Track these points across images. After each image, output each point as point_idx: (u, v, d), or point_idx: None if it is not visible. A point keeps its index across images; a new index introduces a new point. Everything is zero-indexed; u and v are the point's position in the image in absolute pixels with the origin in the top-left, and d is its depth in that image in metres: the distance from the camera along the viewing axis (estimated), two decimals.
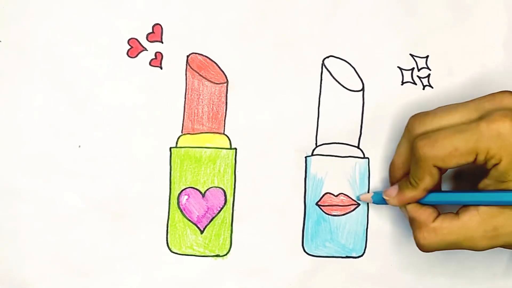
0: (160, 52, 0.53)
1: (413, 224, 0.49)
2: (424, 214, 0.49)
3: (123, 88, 0.53)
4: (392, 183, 0.52)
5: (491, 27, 0.54)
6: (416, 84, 0.54)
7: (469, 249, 0.48)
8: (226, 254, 0.54)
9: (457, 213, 0.48)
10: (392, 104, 0.54)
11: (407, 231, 0.54)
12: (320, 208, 0.54)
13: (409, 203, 0.50)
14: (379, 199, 0.52)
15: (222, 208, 0.54)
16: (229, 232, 0.54)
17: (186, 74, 0.53)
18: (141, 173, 0.53)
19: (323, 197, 0.54)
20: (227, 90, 0.53)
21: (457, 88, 0.54)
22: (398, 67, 0.54)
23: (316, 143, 0.54)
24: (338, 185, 0.54)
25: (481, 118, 0.46)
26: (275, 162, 0.54)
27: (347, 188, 0.54)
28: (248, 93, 0.54)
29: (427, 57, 0.54)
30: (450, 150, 0.46)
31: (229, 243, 0.54)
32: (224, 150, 0.53)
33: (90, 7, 0.53)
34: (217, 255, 0.54)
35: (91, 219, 0.53)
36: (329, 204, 0.54)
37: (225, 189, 0.54)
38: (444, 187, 0.53)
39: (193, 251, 0.54)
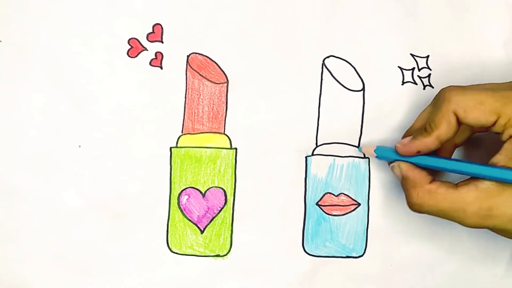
0: (160, 52, 0.53)
1: (407, 183, 0.49)
2: (420, 174, 0.48)
3: (124, 88, 0.53)
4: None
5: (492, 27, 0.54)
6: (416, 84, 0.54)
7: (457, 222, 0.47)
8: (226, 254, 0.54)
9: (456, 184, 0.48)
10: (393, 104, 0.54)
11: (407, 231, 0.54)
12: (320, 208, 0.54)
13: (417, 154, 0.49)
14: (382, 154, 0.51)
15: (222, 208, 0.54)
16: (229, 232, 0.54)
17: (186, 74, 0.53)
18: (141, 173, 0.53)
19: (323, 197, 0.54)
20: (227, 90, 0.53)
21: None
22: (398, 67, 0.54)
23: (316, 143, 0.54)
24: (338, 185, 0.54)
25: None
26: (275, 162, 0.54)
27: (347, 188, 0.54)
28: (248, 93, 0.54)
29: (427, 57, 0.54)
30: (475, 102, 0.45)
31: (229, 243, 0.54)
32: (224, 150, 0.53)
33: (90, 7, 0.53)
34: (217, 255, 0.54)
35: (91, 219, 0.53)
36: (329, 204, 0.54)
37: (225, 189, 0.54)
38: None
39: (193, 251, 0.54)
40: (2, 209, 0.53)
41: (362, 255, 0.54)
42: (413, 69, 0.54)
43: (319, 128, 0.54)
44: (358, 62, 0.54)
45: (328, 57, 0.54)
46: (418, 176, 0.48)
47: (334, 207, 0.54)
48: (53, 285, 0.53)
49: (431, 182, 0.48)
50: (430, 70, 0.54)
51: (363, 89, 0.54)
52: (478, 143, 0.53)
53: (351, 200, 0.54)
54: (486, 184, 0.46)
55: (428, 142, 0.48)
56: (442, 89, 0.48)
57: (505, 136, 0.46)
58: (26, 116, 0.53)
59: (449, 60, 0.54)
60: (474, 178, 0.47)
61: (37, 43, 0.53)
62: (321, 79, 0.54)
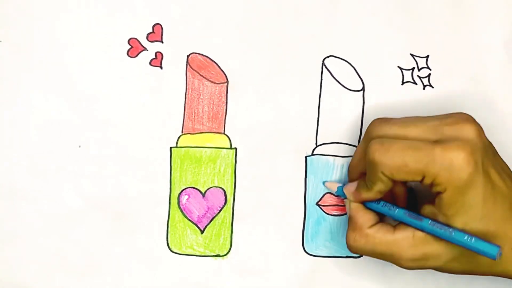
0: (160, 52, 0.53)
1: (350, 223, 0.50)
2: (363, 217, 0.49)
3: (123, 88, 0.53)
4: (349, 180, 0.52)
5: (491, 27, 0.54)
6: (416, 84, 0.54)
7: (393, 263, 0.48)
8: (226, 254, 0.54)
9: (394, 227, 0.48)
10: (392, 104, 0.54)
11: None
12: (321, 208, 0.54)
13: (363, 201, 0.50)
14: (341, 192, 0.52)
15: (222, 208, 0.54)
16: (229, 232, 0.54)
17: (186, 74, 0.53)
18: (141, 173, 0.53)
19: (324, 197, 0.54)
20: (227, 90, 0.53)
21: (457, 88, 0.54)
22: (398, 67, 0.54)
23: (316, 143, 0.54)
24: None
25: (438, 142, 0.46)
26: (275, 162, 0.54)
27: None
28: (248, 93, 0.53)
29: (427, 57, 0.54)
30: (399, 164, 0.46)
31: (229, 243, 0.54)
32: (224, 150, 0.53)
33: (90, 7, 0.53)
34: (217, 255, 0.54)
35: (91, 219, 0.53)
36: (330, 204, 0.54)
37: (225, 189, 0.54)
38: None
39: (193, 251, 0.54)
40: (2, 209, 0.53)
41: (362, 255, 0.54)
42: (413, 69, 0.54)
43: (319, 128, 0.54)
44: (358, 62, 0.54)
45: (328, 57, 0.54)
46: (360, 220, 0.49)
47: (334, 207, 0.54)
48: (53, 285, 0.53)
49: (372, 226, 0.49)
50: (430, 70, 0.54)
51: (363, 89, 0.54)
52: None
53: None
54: (423, 233, 0.47)
55: (371, 196, 0.49)
56: (368, 134, 0.49)
57: (434, 191, 0.46)
58: (26, 116, 0.53)
59: (449, 60, 0.54)
60: None
61: (37, 43, 0.53)
62: (321, 79, 0.54)
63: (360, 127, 0.54)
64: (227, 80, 0.53)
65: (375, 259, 0.54)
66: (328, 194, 0.54)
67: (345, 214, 0.54)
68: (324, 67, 0.54)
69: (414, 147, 0.46)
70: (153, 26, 0.53)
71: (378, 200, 0.49)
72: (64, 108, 0.53)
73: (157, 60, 0.53)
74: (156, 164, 0.53)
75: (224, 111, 0.53)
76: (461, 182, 0.45)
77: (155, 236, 0.54)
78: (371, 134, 0.49)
